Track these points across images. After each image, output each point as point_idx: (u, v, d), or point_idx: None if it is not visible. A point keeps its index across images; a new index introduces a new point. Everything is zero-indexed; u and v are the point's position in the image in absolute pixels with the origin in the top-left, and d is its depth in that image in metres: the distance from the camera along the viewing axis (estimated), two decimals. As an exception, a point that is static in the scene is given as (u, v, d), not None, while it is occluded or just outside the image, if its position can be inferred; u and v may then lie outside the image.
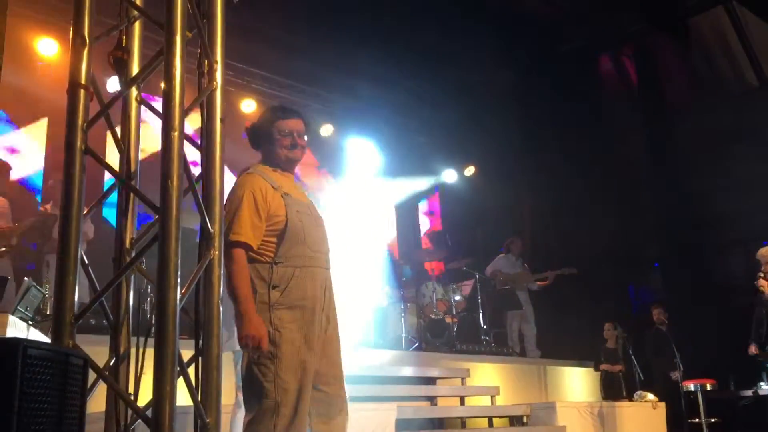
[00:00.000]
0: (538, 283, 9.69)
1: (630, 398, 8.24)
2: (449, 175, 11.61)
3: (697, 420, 7.78)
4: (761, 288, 6.68)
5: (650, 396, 8.09)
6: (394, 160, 11.13)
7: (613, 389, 8.61)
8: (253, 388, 2.85)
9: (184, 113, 2.39)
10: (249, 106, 9.40)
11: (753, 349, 7.06)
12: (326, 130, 10.07)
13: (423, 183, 11.57)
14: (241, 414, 3.52)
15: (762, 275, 6.72)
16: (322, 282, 3.05)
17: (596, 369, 8.95)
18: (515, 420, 7.13)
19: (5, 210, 6.48)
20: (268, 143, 3.18)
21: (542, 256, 10.67)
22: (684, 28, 10.70)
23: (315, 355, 2.95)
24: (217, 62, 2.69)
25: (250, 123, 3.32)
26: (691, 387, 7.90)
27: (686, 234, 10.67)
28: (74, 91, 2.46)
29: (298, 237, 3.00)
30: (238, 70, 8.87)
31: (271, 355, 2.84)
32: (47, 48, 7.61)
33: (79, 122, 2.43)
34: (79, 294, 2.38)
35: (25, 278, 5.42)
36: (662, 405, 8.01)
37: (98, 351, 2.74)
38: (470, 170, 11.64)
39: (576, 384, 9.27)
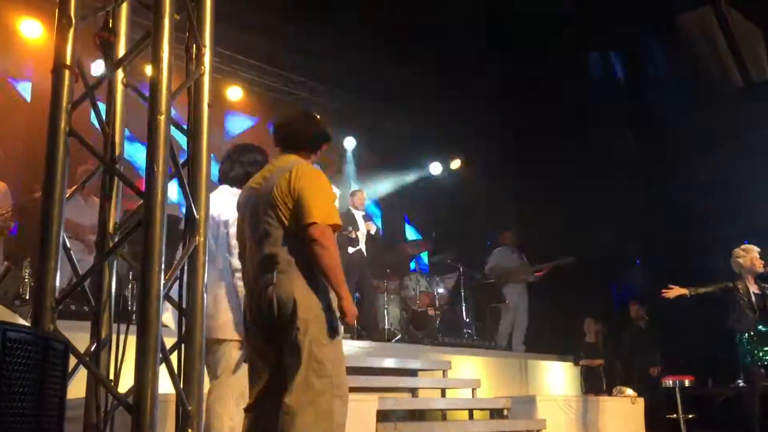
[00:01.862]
0: (536, 273, 9.70)
1: (610, 393, 8.30)
2: (435, 168, 11.62)
3: (674, 416, 7.86)
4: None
5: (629, 391, 8.14)
6: (380, 151, 11.10)
7: (594, 384, 8.68)
8: (314, 367, 2.95)
9: (171, 97, 2.36)
10: (235, 93, 9.33)
11: None
12: (312, 119, 10.01)
13: (409, 175, 11.57)
14: (224, 408, 3.44)
15: None
16: None
17: (576, 363, 9.00)
18: (495, 413, 7.16)
19: (2, 193, 6.38)
20: (318, 151, 3.36)
21: (526, 250, 10.70)
22: (672, 28, 10.73)
23: None
24: (205, 46, 2.66)
25: (324, 127, 3.41)
26: (670, 383, 7.98)
27: (668, 232, 10.74)
28: (59, 72, 2.43)
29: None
30: (224, 57, 8.79)
31: (330, 338, 3.02)
32: (31, 30, 7.47)
33: (64, 103, 2.40)
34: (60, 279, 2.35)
35: (5, 262, 5.35)
36: (641, 400, 8.07)
37: (78, 337, 2.70)
38: (456, 163, 11.64)
39: (556, 378, 9.32)
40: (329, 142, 3.41)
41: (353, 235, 7.58)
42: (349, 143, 10.81)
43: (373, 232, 7.88)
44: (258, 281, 3.05)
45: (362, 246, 7.74)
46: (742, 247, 6.77)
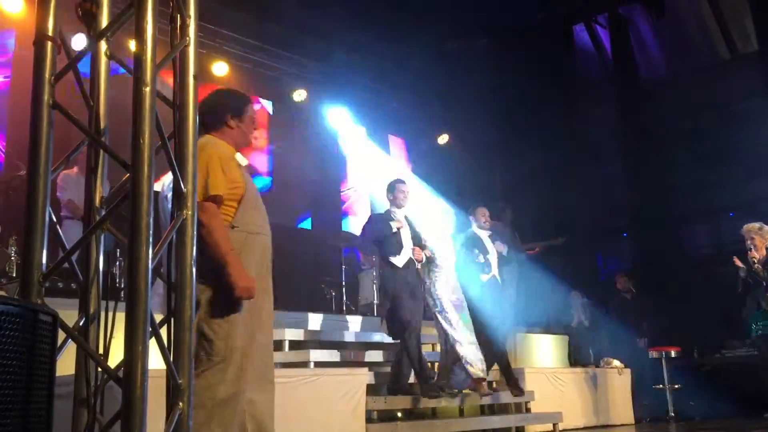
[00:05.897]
0: (528, 252, 9.67)
1: (597, 365, 8.39)
2: (423, 143, 11.58)
3: (660, 386, 7.97)
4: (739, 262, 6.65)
5: (616, 362, 8.24)
6: (367, 126, 11.05)
7: (581, 356, 8.78)
8: (203, 345, 2.89)
9: (157, 68, 2.32)
10: (221, 68, 9.24)
11: None
12: (299, 95, 9.96)
13: (396, 150, 11.53)
14: None
15: (750, 250, 6.68)
16: (268, 249, 3.16)
17: (566, 333, 9.15)
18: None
19: None
20: (236, 123, 3.25)
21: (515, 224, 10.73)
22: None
23: (260, 321, 3.05)
24: (190, 17, 2.61)
25: (222, 99, 3.34)
26: (656, 354, 8.08)
27: (655, 205, 10.82)
28: (41, 44, 2.37)
29: (252, 204, 3.10)
30: (209, 32, 8.68)
31: (224, 316, 2.90)
32: (11, 4, 7.35)
33: (47, 75, 2.35)
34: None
35: (-11, 240, 5.30)
36: (628, 371, 8.17)
37: (65, 314, 2.67)
38: (444, 138, 11.61)
39: (544, 351, 9.40)
40: (241, 113, 3.26)
41: (481, 260, 6.41)
42: (337, 118, 10.75)
43: (505, 253, 6.86)
44: None
45: (495, 271, 6.51)
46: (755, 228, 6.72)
